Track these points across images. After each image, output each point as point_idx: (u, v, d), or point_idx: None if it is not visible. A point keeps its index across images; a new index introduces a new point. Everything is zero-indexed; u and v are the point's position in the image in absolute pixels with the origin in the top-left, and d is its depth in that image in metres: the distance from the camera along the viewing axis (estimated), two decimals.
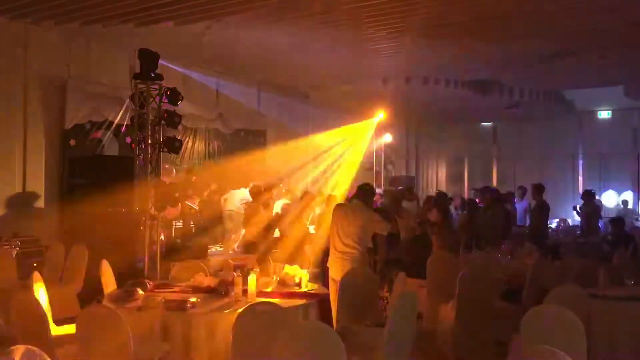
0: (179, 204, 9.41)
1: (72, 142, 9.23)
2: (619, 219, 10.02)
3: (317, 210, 10.25)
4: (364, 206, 6.75)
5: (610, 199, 15.47)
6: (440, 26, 8.50)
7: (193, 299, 4.43)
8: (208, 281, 5.32)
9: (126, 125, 9.64)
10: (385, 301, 6.71)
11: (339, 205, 7.17)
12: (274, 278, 5.57)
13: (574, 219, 12.92)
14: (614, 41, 9.28)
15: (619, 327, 4.32)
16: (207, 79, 11.57)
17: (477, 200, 11.14)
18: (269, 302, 4.11)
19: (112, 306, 4.02)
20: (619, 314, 4.38)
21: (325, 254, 7.86)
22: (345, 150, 14.63)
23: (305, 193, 10.50)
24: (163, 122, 8.13)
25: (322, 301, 4.81)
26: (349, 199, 8.55)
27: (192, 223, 10.77)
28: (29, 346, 2.73)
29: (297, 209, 9.72)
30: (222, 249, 10.44)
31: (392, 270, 6.95)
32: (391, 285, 6.35)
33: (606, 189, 14.73)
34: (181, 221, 10.49)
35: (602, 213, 12.36)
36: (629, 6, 7.72)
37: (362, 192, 6.83)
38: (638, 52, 9.86)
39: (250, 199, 9.27)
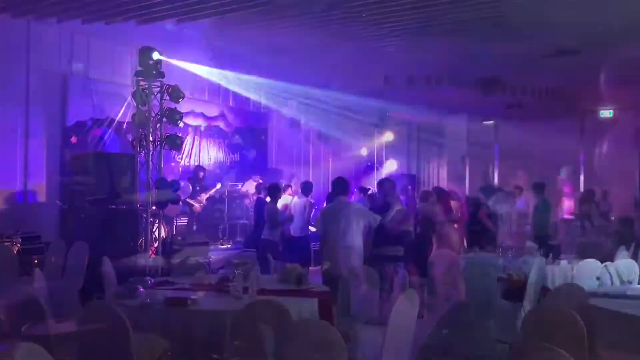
0: (180, 202, 9.43)
1: (74, 139, 9.25)
2: (627, 219, 9.89)
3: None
4: (351, 201, 6.85)
5: None
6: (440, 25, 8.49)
7: (194, 297, 4.43)
8: (209, 279, 5.33)
9: (127, 123, 9.66)
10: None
11: (331, 204, 7.22)
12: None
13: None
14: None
15: (620, 327, 4.30)
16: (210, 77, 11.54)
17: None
18: (270, 300, 4.10)
19: (113, 303, 4.01)
20: (619, 313, 4.37)
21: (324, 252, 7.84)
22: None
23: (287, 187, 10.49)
24: (164, 119, 8.16)
25: (322, 299, 4.80)
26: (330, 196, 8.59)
27: (194, 220, 10.82)
28: (30, 343, 2.74)
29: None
30: (223, 246, 10.48)
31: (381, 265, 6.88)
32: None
33: (606, 189, 14.48)
34: (184, 218, 10.54)
35: None
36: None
37: (341, 187, 6.87)
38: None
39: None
